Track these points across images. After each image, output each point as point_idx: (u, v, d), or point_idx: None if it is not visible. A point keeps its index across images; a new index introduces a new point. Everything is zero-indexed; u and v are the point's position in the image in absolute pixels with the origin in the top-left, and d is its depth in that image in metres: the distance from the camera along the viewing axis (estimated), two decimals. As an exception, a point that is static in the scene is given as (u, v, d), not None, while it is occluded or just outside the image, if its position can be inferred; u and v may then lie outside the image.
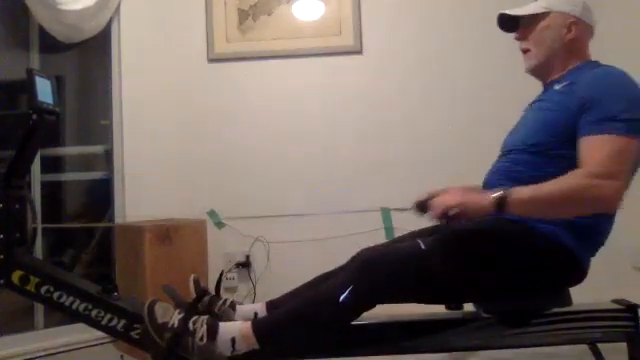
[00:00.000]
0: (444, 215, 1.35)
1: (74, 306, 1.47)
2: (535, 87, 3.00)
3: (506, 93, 2.84)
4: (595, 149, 1.33)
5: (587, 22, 1.54)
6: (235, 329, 1.40)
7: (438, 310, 1.52)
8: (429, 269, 1.38)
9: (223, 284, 2.30)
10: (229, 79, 2.97)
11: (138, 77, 2.88)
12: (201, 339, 1.37)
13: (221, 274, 1.62)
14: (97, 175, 3.03)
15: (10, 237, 1.49)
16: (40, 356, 2.50)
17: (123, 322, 1.47)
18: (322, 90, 2.95)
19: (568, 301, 1.48)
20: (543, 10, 1.54)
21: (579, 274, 1.45)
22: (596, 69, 1.48)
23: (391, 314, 1.56)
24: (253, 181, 2.93)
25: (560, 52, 1.53)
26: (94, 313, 1.47)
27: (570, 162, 1.35)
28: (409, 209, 1.50)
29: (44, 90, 1.51)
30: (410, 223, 2.88)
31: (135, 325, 1.46)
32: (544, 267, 1.41)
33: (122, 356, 2.37)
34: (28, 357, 2.46)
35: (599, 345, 1.48)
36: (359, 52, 2.92)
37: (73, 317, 1.50)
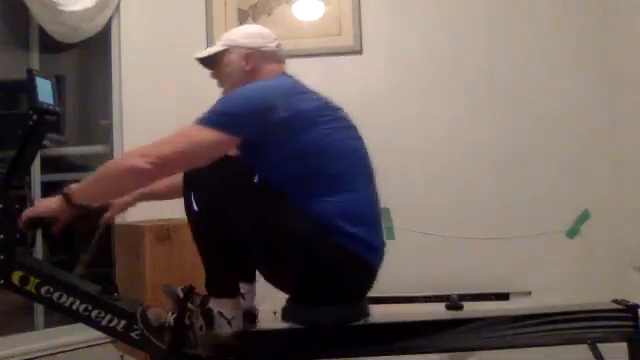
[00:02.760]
0: (29, 226, 1.46)
1: (74, 307, 1.47)
2: (534, 82, 3.00)
3: (506, 91, 2.85)
4: (176, 131, 1.42)
5: (264, 49, 1.63)
6: (215, 304, 1.43)
7: (438, 310, 1.53)
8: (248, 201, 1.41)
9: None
10: (229, 79, 2.97)
11: (138, 77, 2.88)
12: (200, 329, 1.38)
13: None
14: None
15: (10, 237, 1.49)
16: (40, 356, 2.49)
17: (123, 323, 1.47)
18: (322, 90, 2.93)
19: (365, 312, 1.49)
20: (221, 48, 1.64)
21: (354, 264, 1.43)
22: None
23: (391, 314, 1.56)
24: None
25: (245, 83, 1.57)
26: (94, 314, 1.47)
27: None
28: None
29: (44, 90, 1.51)
30: (410, 222, 2.89)
31: (135, 326, 1.46)
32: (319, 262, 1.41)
33: (122, 356, 2.37)
34: (28, 357, 2.46)
35: (599, 345, 1.48)
36: (359, 52, 2.92)
37: (73, 317, 1.50)
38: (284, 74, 1.63)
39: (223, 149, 1.41)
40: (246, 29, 1.72)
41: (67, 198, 1.43)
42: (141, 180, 1.42)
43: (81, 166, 3.11)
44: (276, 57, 1.66)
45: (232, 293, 1.45)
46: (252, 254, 1.47)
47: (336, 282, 1.43)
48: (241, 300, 1.56)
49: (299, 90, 1.54)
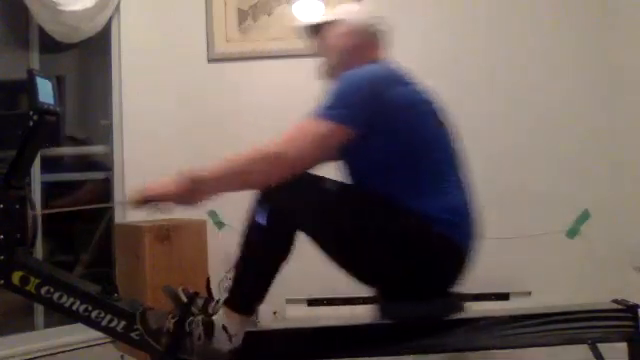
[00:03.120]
0: (144, 202, 1.51)
1: (74, 307, 1.47)
2: (534, 82, 2.98)
3: (506, 91, 2.85)
4: (292, 127, 1.45)
5: (372, 30, 1.63)
6: (224, 315, 1.41)
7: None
8: (331, 206, 1.43)
9: (224, 284, 2.30)
10: (229, 79, 2.97)
11: (138, 77, 2.88)
12: (199, 338, 1.37)
13: (207, 280, 1.63)
14: (97, 175, 3.03)
15: (10, 237, 1.49)
16: (40, 356, 2.50)
17: (123, 323, 1.47)
18: (322, 90, 2.94)
19: (457, 306, 1.48)
20: (334, 18, 1.63)
21: (452, 253, 1.43)
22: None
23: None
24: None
25: (345, 60, 1.58)
26: (94, 314, 1.47)
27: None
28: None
29: (45, 90, 1.50)
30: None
31: (135, 326, 1.46)
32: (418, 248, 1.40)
33: (122, 356, 2.37)
34: (28, 357, 2.46)
35: (599, 345, 1.48)
36: (359, 52, 2.92)
37: (73, 318, 1.50)
38: (385, 60, 1.62)
39: (340, 141, 1.42)
40: (359, 7, 1.69)
41: (192, 184, 1.43)
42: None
43: (81, 166, 3.11)
44: (381, 40, 1.65)
45: (247, 312, 1.43)
46: (339, 262, 1.45)
47: (436, 273, 1.42)
48: None
49: (401, 79, 1.51)
